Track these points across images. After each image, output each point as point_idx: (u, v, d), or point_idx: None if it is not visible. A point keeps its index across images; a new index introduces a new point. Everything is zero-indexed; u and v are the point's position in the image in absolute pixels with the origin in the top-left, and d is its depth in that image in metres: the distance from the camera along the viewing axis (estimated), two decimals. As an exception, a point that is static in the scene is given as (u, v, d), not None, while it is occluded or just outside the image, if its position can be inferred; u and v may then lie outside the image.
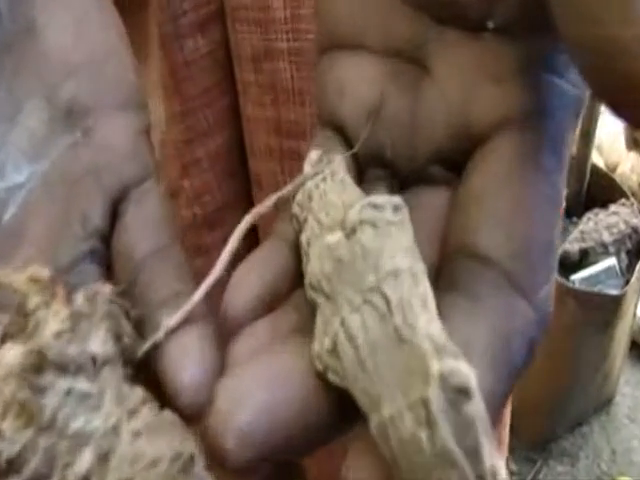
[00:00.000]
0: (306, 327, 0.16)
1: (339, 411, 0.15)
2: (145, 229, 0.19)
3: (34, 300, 0.15)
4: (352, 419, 0.15)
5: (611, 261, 1.10)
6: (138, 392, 0.15)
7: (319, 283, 0.15)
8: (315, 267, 0.16)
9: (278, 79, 0.37)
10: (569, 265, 1.11)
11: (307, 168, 0.19)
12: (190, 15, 0.39)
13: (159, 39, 0.40)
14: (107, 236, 0.20)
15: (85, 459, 0.14)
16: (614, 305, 1.04)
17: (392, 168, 0.20)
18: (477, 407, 0.12)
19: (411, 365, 0.13)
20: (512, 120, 0.17)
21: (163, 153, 0.44)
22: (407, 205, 0.16)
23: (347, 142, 0.21)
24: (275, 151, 0.39)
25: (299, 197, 0.19)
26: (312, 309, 0.16)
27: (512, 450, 1.23)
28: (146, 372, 0.16)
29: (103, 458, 0.14)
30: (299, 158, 0.38)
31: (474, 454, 0.12)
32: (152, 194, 0.20)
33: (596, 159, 1.31)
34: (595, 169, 1.24)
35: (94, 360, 0.14)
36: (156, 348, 0.16)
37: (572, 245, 1.11)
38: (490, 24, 0.17)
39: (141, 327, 0.17)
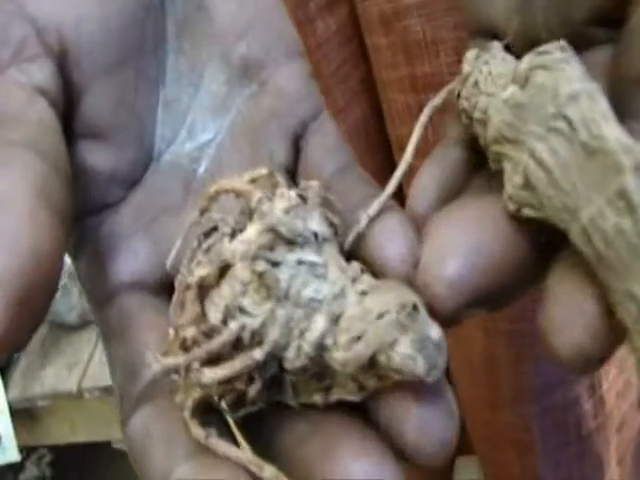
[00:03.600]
0: None
1: (537, 250, 0.16)
2: (327, 154, 0.21)
3: (256, 196, 0.16)
4: (548, 259, 0.16)
5: None
6: (356, 264, 0.16)
7: (501, 133, 0.16)
8: (495, 121, 0.16)
9: (409, 36, 0.38)
10: None
11: (466, 67, 0.20)
12: None
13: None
14: (291, 170, 0.21)
15: (319, 324, 0.15)
16: None
17: None
18: None
19: (603, 167, 0.13)
20: None
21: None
22: None
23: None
24: (414, 108, 0.40)
25: (464, 92, 0.19)
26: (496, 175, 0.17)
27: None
28: None
29: (334, 321, 0.15)
30: (439, 111, 0.39)
31: None
32: (328, 124, 0.22)
33: None
34: None
35: (316, 236, 0.16)
36: (360, 238, 0.17)
37: None
38: None
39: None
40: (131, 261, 0.20)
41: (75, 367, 1.12)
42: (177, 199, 0.21)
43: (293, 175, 0.22)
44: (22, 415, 1.14)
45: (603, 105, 0.14)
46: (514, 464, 0.57)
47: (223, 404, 0.17)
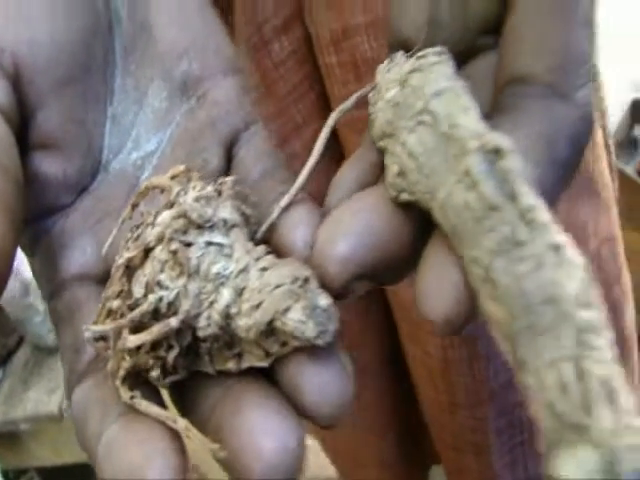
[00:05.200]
0: None
1: (417, 230, 0.19)
2: (256, 159, 0.24)
3: (175, 189, 0.19)
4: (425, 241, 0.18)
5: None
6: (262, 247, 0.19)
7: (383, 130, 0.19)
8: (380, 120, 0.19)
9: (358, 54, 0.40)
10: None
11: (378, 77, 0.22)
12: (272, 21, 0.43)
13: (248, 51, 0.45)
14: (225, 174, 0.24)
15: (225, 296, 0.17)
16: None
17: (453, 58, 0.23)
18: (512, 161, 0.15)
19: (455, 152, 0.16)
20: None
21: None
22: (471, 74, 0.20)
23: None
24: (358, 122, 0.43)
25: (372, 99, 0.22)
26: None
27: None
28: None
29: (238, 293, 0.18)
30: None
31: (512, 197, 0.15)
32: (258, 134, 0.25)
33: None
34: None
35: (224, 222, 0.18)
36: (273, 227, 0.20)
37: None
38: None
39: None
40: (79, 257, 0.23)
41: (57, 389, 1.13)
42: (120, 203, 0.24)
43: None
44: (5, 439, 1.14)
45: (464, 100, 0.17)
46: (473, 466, 0.59)
47: (152, 374, 0.19)
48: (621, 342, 0.62)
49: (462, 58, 0.22)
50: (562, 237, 0.15)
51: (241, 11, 0.43)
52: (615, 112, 1.35)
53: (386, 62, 0.23)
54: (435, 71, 0.18)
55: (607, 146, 0.57)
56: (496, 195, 0.15)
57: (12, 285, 1.04)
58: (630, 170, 1.19)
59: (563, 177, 0.18)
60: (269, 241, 0.20)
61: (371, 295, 0.56)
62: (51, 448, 1.18)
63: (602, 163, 0.55)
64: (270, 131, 0.48)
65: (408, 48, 0.24)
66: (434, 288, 0.17)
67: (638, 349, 0.63)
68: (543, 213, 0.15)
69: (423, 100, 0.17)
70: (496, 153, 0.15)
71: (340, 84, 0.43)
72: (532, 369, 0.14)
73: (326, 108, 0.47)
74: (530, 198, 0.15)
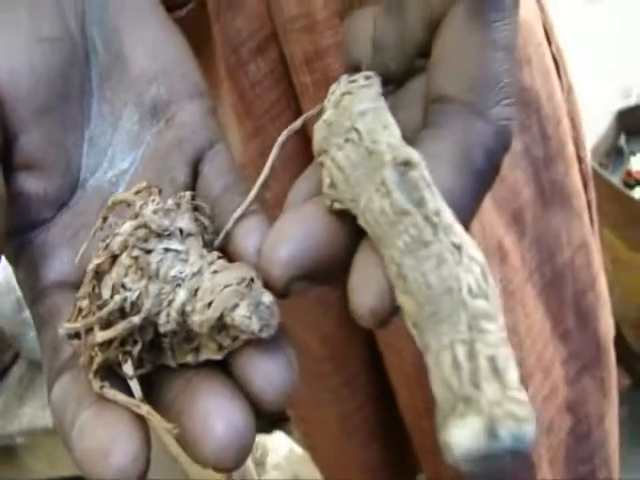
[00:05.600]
0: None
1: (352, 235, 0.21)
2: (218, 176, 0.26)
3: (138, 203, 0.21)
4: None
5: None
6: (214, 253, 0.21)
7: (319, 146, 0.21)
8: (317, 137, 0.21)
9: (330, 72, 0.43)
10: None
11: (327, 98, 0.25)
12: (249, 43, 0.46)
13: (226, 72, 0.47)
14: (192, 189, 0.26)
15: (181, 296, 0.20)
16: None
17: (395, 79, 0.25)
18: (420, 172, 0.18)
19: (375, 164, 0.18)
20: None
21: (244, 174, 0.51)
22: (407, 93, 0.22)
23: None
24: None
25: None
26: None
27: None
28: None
29: (193, 293, 0.20)
30: None
31: (420, 203, 0.17)
32: (221, 153, 0.27)
33: None
34: None
35: (181, 231, 0.21)
36: (229, 236, 0.23)
37: None
38: None
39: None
40: (58, 266, 0.25)
41: (52, 403, 1.14)
42: (95, 217, 0.26)
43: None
44: (1, 452, 1.16)
45: (385, 118, 0.20)
46: (452, 473, 0.60)
47: (122, 368, 0.21)
48: (596, 347, 0.64)
49: (401, 79, 0.25)
50: (464, 237, 0.17)
51: (218, 34, 0.45)
52: (603, 121, 1.37)
53: (335, 84, 0.26)
54: (362, 93, 0.20)
55: (579, 156, 0.59)
56: (406, 202, 0.18)
57: (7, 301, 1.06)
58: (616, 180, 1.22)
59: (481, 187, 0.20)
60: (226, 248, 0.23)
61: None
62: (47, 461, 1.19)
63: (574, 172, 0.57)
64: (248, 149, 0.50)
65: (359, 71, 0.26)
66: (361, 285, 0.19)
67: (616, 352, 0.65)
68: (447, 216, 0.17)
69: (350, 120, 0.20)
70: (407, 165, 0.18)
71: (313, 102, 0.46)
72: (432, 351, 0.16)
73: (302, 125, 0.50)
74: (436, 204, 0.17)
